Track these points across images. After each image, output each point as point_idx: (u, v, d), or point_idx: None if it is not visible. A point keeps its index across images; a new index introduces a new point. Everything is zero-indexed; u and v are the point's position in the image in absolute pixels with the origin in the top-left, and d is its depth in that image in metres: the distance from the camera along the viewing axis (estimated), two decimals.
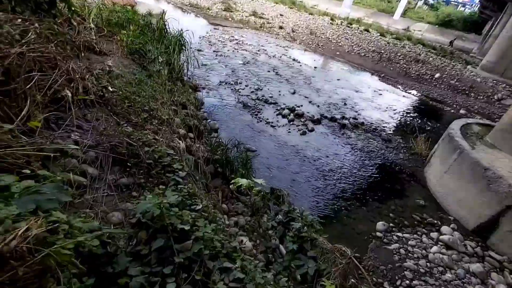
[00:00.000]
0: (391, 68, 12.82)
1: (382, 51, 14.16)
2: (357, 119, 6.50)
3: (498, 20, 25.69)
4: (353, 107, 7.26)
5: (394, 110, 7.91)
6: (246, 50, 10.11)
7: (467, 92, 11.78)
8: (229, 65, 8.05)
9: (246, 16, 16.04)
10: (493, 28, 25.91)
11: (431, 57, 14.89)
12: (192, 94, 5.22)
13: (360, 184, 4.31)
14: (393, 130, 6.47)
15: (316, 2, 32.32)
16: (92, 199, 1.40)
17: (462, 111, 9.27)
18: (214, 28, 12.57)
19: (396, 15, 40.40)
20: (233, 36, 11.63)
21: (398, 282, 2.74)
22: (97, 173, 1.54)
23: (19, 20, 2.16)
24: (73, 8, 3.22)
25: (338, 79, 9.45)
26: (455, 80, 12.45)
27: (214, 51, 9.07)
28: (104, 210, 1.38)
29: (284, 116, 5.78)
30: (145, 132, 2.23)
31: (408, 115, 7.80)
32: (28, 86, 1.67)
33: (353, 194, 4.07)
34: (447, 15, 45.28)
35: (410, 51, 15.05)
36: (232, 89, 6.49)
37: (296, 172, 4.26)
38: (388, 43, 15.85)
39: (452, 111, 9.18)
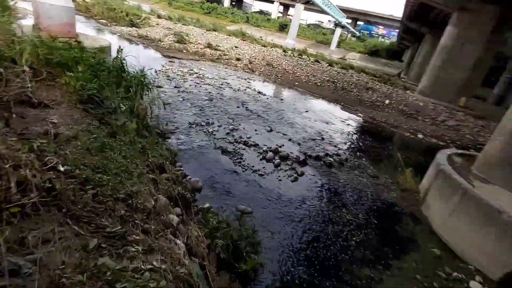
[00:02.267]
0: (347, 97, 13.47)
1: (336, 80, 14.97)
2: (339, 155, 6.21)
3: (418, 50, 30.21)
4: (331, 141, 7.04)
5: (367, 141, 7.96)
6: (209, 84, 9.48)
7: (415, 116, 12.85)
8: (195, 103, 7.27)
9: (201, 48, 15.64)
10: (416, 56, 30.34)
11: (377, 84, 16.28)
12: (163, 144, 4.28)
13: (371, 240, 3.80)
14: (376, 165, 6.32)
15: (261, 34, 34.34)
16: None
17: (420, 136, 9.87)
18: (170, 61, 11.77)
19: (332, 46, 45.04)
20: (192, 69, 10.96)
21: None
22: None
23: None
24: None
25: (306, 111, 9.35)
26: (403, 105, 13.58)
27: (175, 86, 8.23)
28: None
29: (268, 161, 5.15)
30: (132, 255, 1.34)
31: (380, 145, 7.90)
32: None
33: (369, 251, 3.52)
34: (373, 45, 52.11)
35: (358, 79, 16.24)
36: (205, 132, 5.69)
37: (301, 232, 3.57)
38: (338, 72, 16.94)
39: (412, 136, 9.70)
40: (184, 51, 14.71)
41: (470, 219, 3.76)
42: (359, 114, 11.03)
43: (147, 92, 4.76)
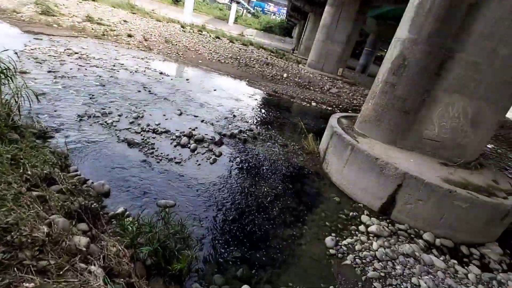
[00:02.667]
0: (250, 73, 13.90)
1: (238, 57, 15.12)
2: (252, 130, 6.46)
3: (305, 27, 33.43)
4: (242, 118, 7.19)
5: (273, 113, 8.52)
6: (97, 67, 7.98)
7: (307, 86, 14.49)
8: (82, 90, 6.02)
9: (78, 22, 12.80)
10: (303, 33, 33.58)
11: (275, 59, 17.36)
12: (45, 147, 3.39)
13: (289, 203, 4.21)
14: (284, 134, 6.88)
15: (154, 7, 30.79)
16: None
17: (313, 104, 11.26)
18: (36, 38, 9.21)
19: (230, 22, 44.95)
20: (70, 49, 8.91)
21: None
22: None
23: None
24: None
25: (214, 90, 9.17)
26: (298, 77, 15.04)
27: (49, 71, 6.55)
28: None
29: (184, 146, 4.87)
30: None
31: (284, 115, 8.61)
32: None
33: (288, 213, 3.91)
34: (267, 22, 54.70)
35: (259, 55, 16.89)
36: (102, 124, 4.83)
37: (227, 212, 3.62)
38: (240, 49, 17.11)
39: (308, 105, 10.96)
40: (55, 25, 11.73)
41: (358, 168, 4.62)
42: (263, 88, 11.61)
43: (5, 82, 3.59)
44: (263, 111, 8.47)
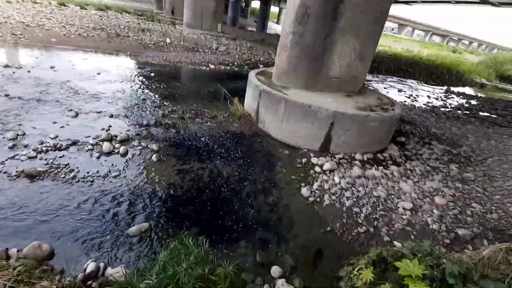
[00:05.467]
0: (128, 44, 11.53)
1: (104, 27, 12.11)
2: (174, 110, 5.61)
3: None
4: (154, 100, 6.08)
5: (180, 84, 7.60)
6: None
7: (196, 49, 13.44)
8: None
9: None
10: None
11: (148, 24, 14.87)
12: None
13: (245, 172, 4.12)
14: (208, 106, 6.34)
15: None
16: None
17: (212, 66, 10.67)
18: None
19: None
20: None
21: (360, 229, 3.27)
22: None
23: None
24: None
25: (98, 73, 7.20)
26: (182, 41, 13.64)
27: None
28: None
29: (110, 153, 3.78)
30: None
31: (193, 85, 7.84)
32: None
33: (258, 183, 3.86)
34: None
35: (128, 22, 13.99)
36: None
37: (205, 199, 3.24)
38: (100, 16, 13.59)
39: (207, 68, 10.30)
40: None
41: (294, 118, 4.88)
42: (151, 60, 10.00)
43: None
44: (169, 85, 7.40)
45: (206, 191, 3.44)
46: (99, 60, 8.81)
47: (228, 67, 11.01)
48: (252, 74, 6.20)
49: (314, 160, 4.54)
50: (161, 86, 7.17)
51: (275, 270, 2.46)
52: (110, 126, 4.47)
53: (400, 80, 14.64)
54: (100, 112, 4.97)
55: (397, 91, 11.53)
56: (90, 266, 2.08)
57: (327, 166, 4.27)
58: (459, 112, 8.93)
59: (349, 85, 5.83)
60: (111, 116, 4.88)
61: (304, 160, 4.53)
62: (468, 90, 14.64)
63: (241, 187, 3.66)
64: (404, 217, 3.29)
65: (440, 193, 3.84)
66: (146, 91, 6.57)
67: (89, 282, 1.99)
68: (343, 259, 2.71)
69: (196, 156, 4.19)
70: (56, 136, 3.89)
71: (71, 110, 4.76)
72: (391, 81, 14.04)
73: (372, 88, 7.56)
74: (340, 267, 2.54)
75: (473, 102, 10.97)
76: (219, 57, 12.55)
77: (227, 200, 3.36)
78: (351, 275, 1.48)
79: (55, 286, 1.53)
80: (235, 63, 11.93)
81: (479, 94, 12.89)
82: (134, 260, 2.36)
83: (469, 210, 3.50)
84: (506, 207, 3.59)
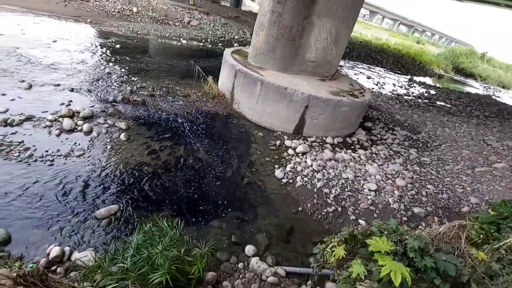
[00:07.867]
0: (88, 9, 10.34)
1: None
2: (143, 87, 5.25)
3: None
4: (120, 74, 5.59)
5: (149, 59, 7.07)
6: None
7: (166, 21, 12.51)
8: None
9: None
10: None
11: None
12: None
13: (224, 153, 4.08)
14: (180, 83, 6.01)
15: None
16: None
17: (183, 41, 10.04)
18: None
19: None
20: None
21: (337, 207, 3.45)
22: None
23: None
24: None
25: (54, 41, 6.39)
26: (151, 11, 12.56)
27: None
28: None
29: (72, 131, 3.46)
30: None
31: (165, 61, 7.35)
32: None
33: (235, 165, 3.85)
34: None
35: None
36: None
37: (180, 180, 3.17)
38: None
39: (179, 43, 9.67)
40: None
41: (270, 100, 4.85)
42: (116, 30, 9.12)
43: None
44: (137, 59, 6.85)
45: (179, 172, 3.35)
46: (54, 26, 7.79)
47: (201, 44, 10.47)
48: (227, 53, 5.96)
49: (287, 142, 4.61)
50: (128, 60, 6.61)
51: (249, 249, 2.53)
52: (70, 101, 4.05)
53: (369, 67, 15.18)
54: (58, 85, 4.47)
55: (366, 77, 11.98)
56: (54, 251, 1.95)
57: (300, 148, 4.37)
58: (420, 100, 9.60)
59: (323, 69, 5.90)
60: (72, 90, 4.42)
61: (278, 142, 4.58)
62: (428, 80, 15.71)
63: (216, 168, 3.62)
64: (369, 197, 3.53)
65: (400, 175, 4.17)
66: (111, 64, 6.01)
67: (54, 267, 1.86)
68: (313, 237, 2.88)
69: (168, 136, 4.01)
70: (7, 110, 3.43)
71: (23, 81, 4.21)
72: (361, 67, 14.50)
73: (344, 74, 7.74)
74: (311, 244, 2.70)
75: (432, 92, 11.85)
76: (191, 31, 11.83)
77: (201, 181, 3.31)
78: (324, 252, 1.57)
79: (15, 274, 1.40)
80: (209, 40, 11.37)
81: (437, 85, 13.93)
82: (104, 243, 2.25)
83: (424, 190, 3.87)
84: (455, 188, 4.03)
